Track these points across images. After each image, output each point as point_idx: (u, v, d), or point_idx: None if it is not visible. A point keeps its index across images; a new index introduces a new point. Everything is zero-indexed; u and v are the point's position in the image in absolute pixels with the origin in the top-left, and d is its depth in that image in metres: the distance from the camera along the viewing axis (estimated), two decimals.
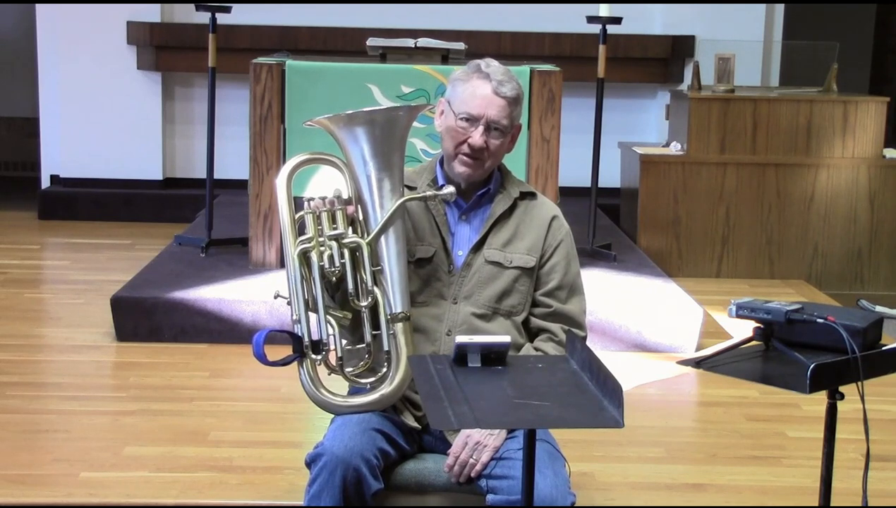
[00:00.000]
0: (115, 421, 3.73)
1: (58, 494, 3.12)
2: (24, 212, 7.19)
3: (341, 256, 2.46)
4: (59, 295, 5.30)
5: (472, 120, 2.55)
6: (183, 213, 6.79)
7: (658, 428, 3.83)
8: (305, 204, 2.49)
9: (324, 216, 2.47)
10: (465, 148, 2.56)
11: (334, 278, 2.46)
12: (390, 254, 2.49)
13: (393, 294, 2.48)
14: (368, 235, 2.48)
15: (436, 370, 2.14)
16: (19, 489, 3.15)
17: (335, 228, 2.47)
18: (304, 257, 2.46)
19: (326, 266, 2.45)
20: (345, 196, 2.52)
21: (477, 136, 2.54)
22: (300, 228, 2.49)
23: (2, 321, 4.82)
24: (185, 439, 3.56)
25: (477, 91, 2.55)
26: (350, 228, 2.49)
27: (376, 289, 2.47)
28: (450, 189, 2.56)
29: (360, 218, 2.50)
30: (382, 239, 2.49)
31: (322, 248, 2.46)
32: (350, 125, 2.50)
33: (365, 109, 2.51)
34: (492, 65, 2.59)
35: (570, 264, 2.67)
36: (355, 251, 2.47)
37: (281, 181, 2.52)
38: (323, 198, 2.49)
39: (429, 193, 2.56)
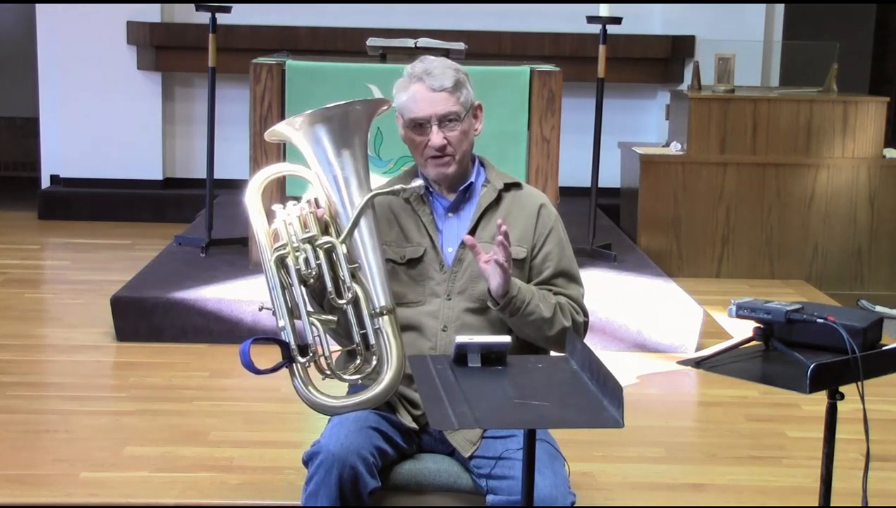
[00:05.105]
0: (115, 420, 3.73)
1: (58, 494, 3.12)
2: (24, 212, 7.19)
3: (316, 257, 2.47)
4: (59, 295, 5.30)
5: (422, 124, 2.57)
6: (183, 213, 6.79)
7: (658, 428, 3.82)
8: (276, 212, 2.51)
9: (295, 222, 2.49)
10: (429, 151, 2.58)
11: (312, 280, 2.47)
12: (366, 249, 2.49)
13: (374, 289, 2.48)
14: (342, 234, 2.49)
15: (436, 370, 2.14)
16: (19, 489, 3.16)
17: (307, 232, 2.48)
18: (281, 263, 2.47)
19: (303, 269, 2.46)
20: (314, 200, 2.52)
21: (434, 137, 2.56)
22: (275, 238, 2.51)
23: (2, 321, 4.82)
24: (185, 439, 3.56)
25: (416, 96, 2.57)
26: (324, 230, 2.50)
27: (356, 286, 2.47)
28: (418, 182, 2.57)
29: (333, 219, 2.51)
30: (356, 235, 2.50)
31: (297, 253, 2.47)
32: (308, 125, 2.51)
33: (321, 107, 2.51)
34: (425, 61, 2.60)
35: (564, 250, 2.66)
36: (330, 251, 2.48)
37: (250, 197, 2.55)
38: (293, 205, 2.50)
39: (397, 187, 2.57)
